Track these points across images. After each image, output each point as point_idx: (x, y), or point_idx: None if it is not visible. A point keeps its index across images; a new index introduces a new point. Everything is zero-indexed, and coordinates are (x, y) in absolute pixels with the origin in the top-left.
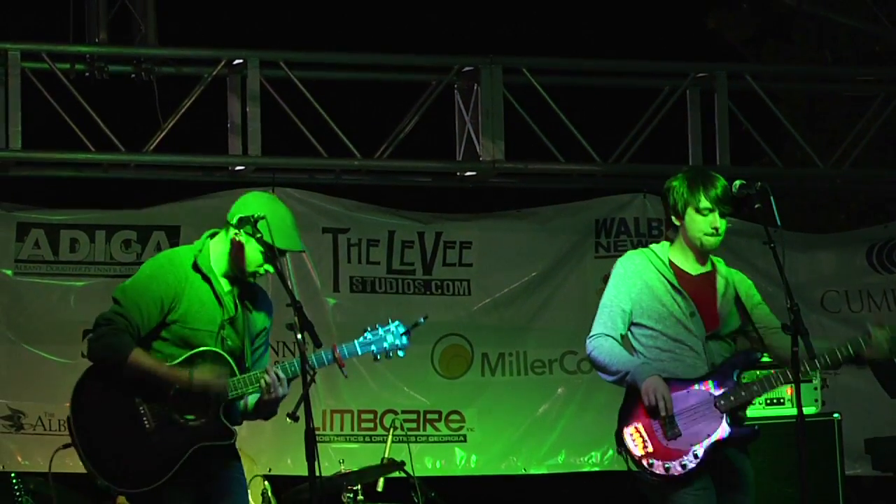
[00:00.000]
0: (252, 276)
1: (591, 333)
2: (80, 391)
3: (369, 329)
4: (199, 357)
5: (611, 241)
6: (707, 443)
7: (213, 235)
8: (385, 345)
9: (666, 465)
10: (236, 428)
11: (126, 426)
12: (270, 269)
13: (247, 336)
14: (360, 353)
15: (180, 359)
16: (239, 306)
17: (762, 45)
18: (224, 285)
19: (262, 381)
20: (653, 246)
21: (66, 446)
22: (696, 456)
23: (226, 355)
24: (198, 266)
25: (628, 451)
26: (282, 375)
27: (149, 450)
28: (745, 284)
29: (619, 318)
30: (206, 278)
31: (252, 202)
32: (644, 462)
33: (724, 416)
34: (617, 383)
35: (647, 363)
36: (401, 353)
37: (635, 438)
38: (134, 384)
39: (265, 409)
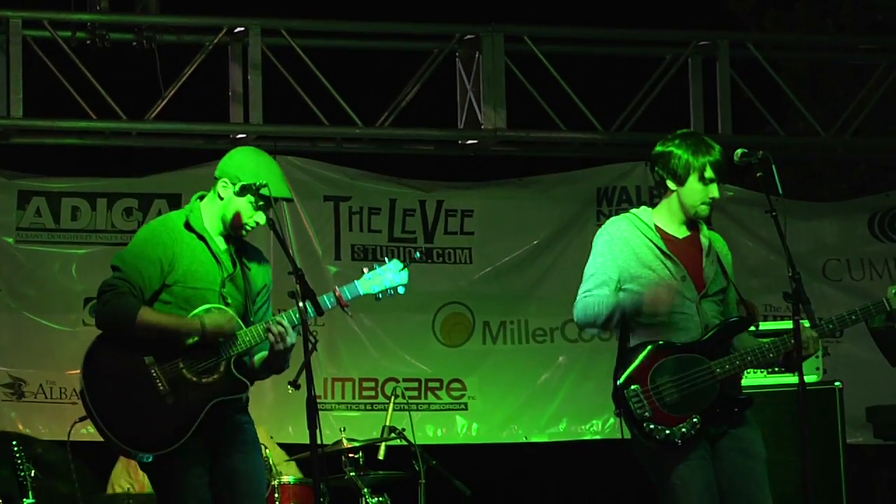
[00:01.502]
0: (244, 228)
1: (577, 296)
2: (90, 361)
3: (367, 269)
4: (206, 312)
5: (612, 209)
6: (705, 410)
7: (201, 197)
8: (385, 283)
9: (666, 432)
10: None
11: (140, 391)
12: (262, 220)
13: (249, 293)
14: (361, 293)
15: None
16: (237, 264)
17: (764, 14)
18: (220, 244)
19: (268, 332)
20: (634, 211)
21: (82, 419)
22: (694, 424)
23: (230, 311)
24: (190, 226)
25: (627, 414)
26: (286, 323)
27: (165, 412)
28: (725, 250)
29: (606, 285)
30: (200, 237)
31: (236, 158)
32: (643, 426)
33: (720, 383)
34: (612, 327)
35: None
36: (401, 290)
37: (635, 401)
38: (145, 345)
39: (276, 362)
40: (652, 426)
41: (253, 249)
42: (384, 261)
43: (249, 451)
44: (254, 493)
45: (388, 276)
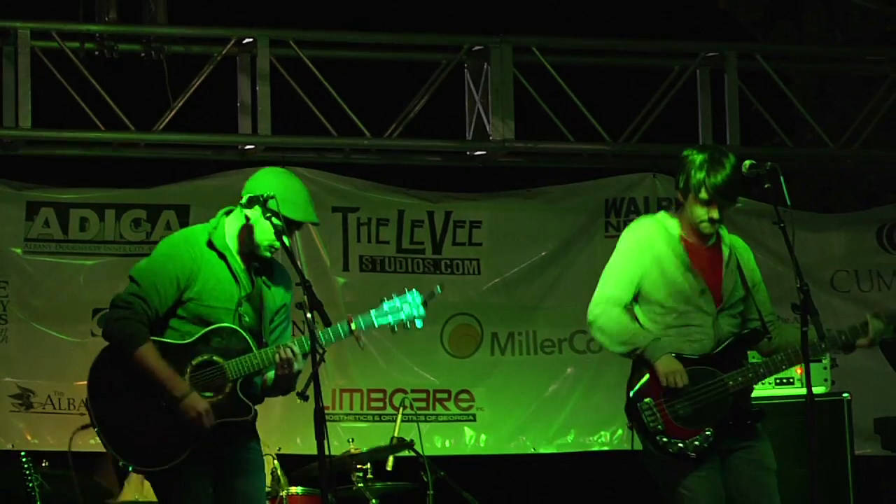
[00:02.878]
0: (266, 250)
1: (597, 299)
2: (97, 372)
3: (385, 299)
4: (215, 334)
5: (620, 220)
6: (718, 423)
7: (228, 213)
8: (402, 316)
9: (679, 445)
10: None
11: (143, 405)
12: (277, 244)
13: (265, 312)
14: (376, 324)
15: (196, 336)
16: (256, 282)
17: (772, 26)
18: (240, 262)
19: (277, 355)
20: (662, 217)
21: (84, 427)
22: (707, 437)
23: (242, 331)
24: (212, 244)
25: (640, 427)
26: (297, 350)
27: (166, 427)
28: (747, 254)
29: (628, 286)
30: (221, 256)
31: (263, 178)
32: (656, 439)
33: (732, 396)
34: (624, 355)
35: (658, 339)
36: (419, 324)
37: (648, 414)
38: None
39: (282, 384)
40: (665, 439)
41: (279, 269)
42: (403, 291)
43: (253, 472)
44: None
45: (406, 308)
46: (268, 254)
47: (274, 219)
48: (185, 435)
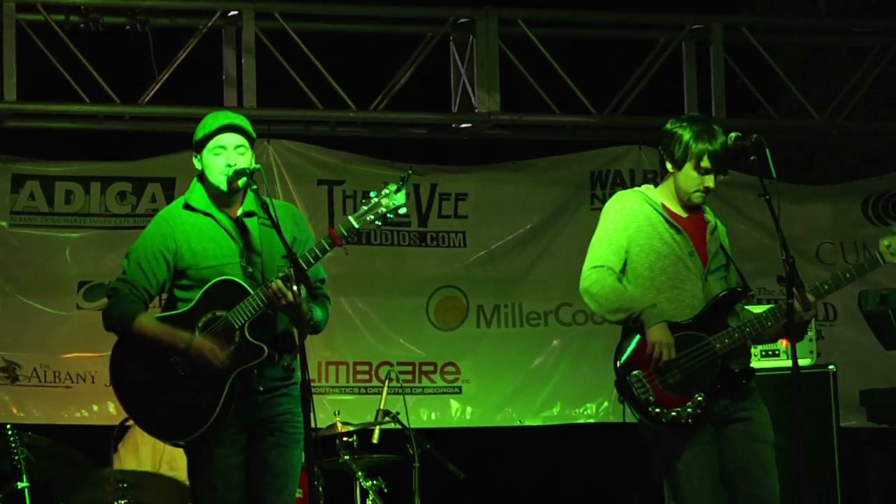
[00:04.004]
0: (226, 182)
1: (590, 265)
2: (115, 362)
3: (363, 201)
4: (211, 291)
5: (606, 192)
6: (708, 387)
7: (199, 178)
8: (381, 209)
9: (672, 414)
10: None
11: (163, 379)
12: (229, 170)
13: (274, 254)
14: (357, 225)
15: (195, 300)
16: (250, 229)
17: None
18: (226, 216)
19: (264, 294)
20: (641, 188)
21: (124, 422)
22: (699, 402)
23: (237, 279)
24: (190, 205)
25: (632, 399)
26: (281, 283)
27: (191, 394)
28: (722, 229)
29: (618, 252)
30: (206, 215)
31: (200, 126)
32: (648, 410)
33: (721, 358)
34: (616, 322)
35: (654, 305)
36: (402, 211)
37: (638, 386)
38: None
39: (293, 320)
40: (658, 410)
41: (281, 209)
42: (382, 187)
43: (288, 444)
44: (281, 487)
45: (384, 201)
46: (225, 185)
47: (207, 150)
48: (212, 393)
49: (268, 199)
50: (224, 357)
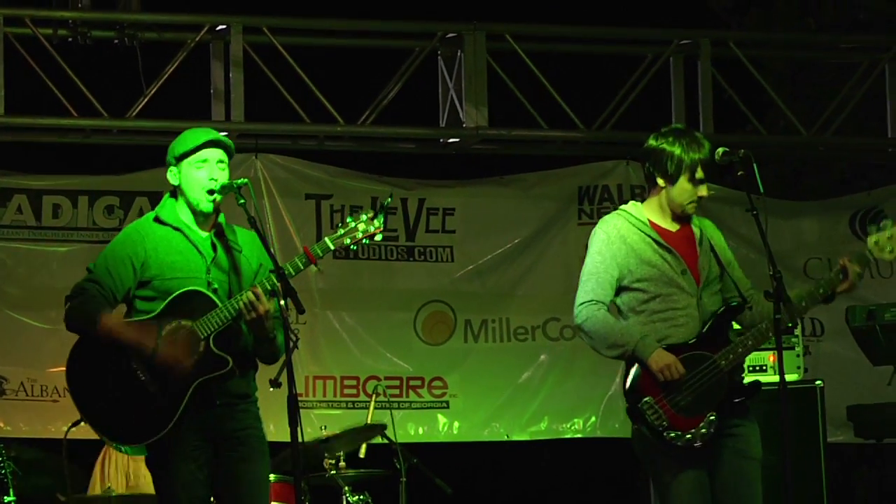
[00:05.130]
0: (205, 200)
1: (581, 301)
2: (73, 362)
3: (340, 225)
4: (178, 301)
5: (594, 207)
6: (719, 405)
7: (173, 195)
8: (357, 234)
9: (687, 437)
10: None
11: (123, 385)
12: (206, 185)
13: (240, 275)
14: (332, 247)
15: (161, 307)
16: (220, 248)
17: (746, 13)
18: (199, 232)
19: (241, 301)
20: (625, 208)
21: (76, 423)
22: (712, 421)
23: (206, 291)
24: (160, 219)
25: (647, 426)
26: (259, 291)
27: (151, 400)
28: (717, 235)
29: (608, 284)
30: (176, 229)
31: (181, 140)
32: (664, 435)
33: (728, 375)
34: (613, 357)
35: (646, 336)
36: (378, 237)
37: (651, 413)
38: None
39: (256, 332)
40: (673, 434)
41: (246, 234)
42: (359, 213)
43: (255, 456)
44: (255, 502)
45: (361, 227)
46: (209, 204)
47: (188, 163)
48: (172, 400)
49: (255, 215)
50: (188, 365)
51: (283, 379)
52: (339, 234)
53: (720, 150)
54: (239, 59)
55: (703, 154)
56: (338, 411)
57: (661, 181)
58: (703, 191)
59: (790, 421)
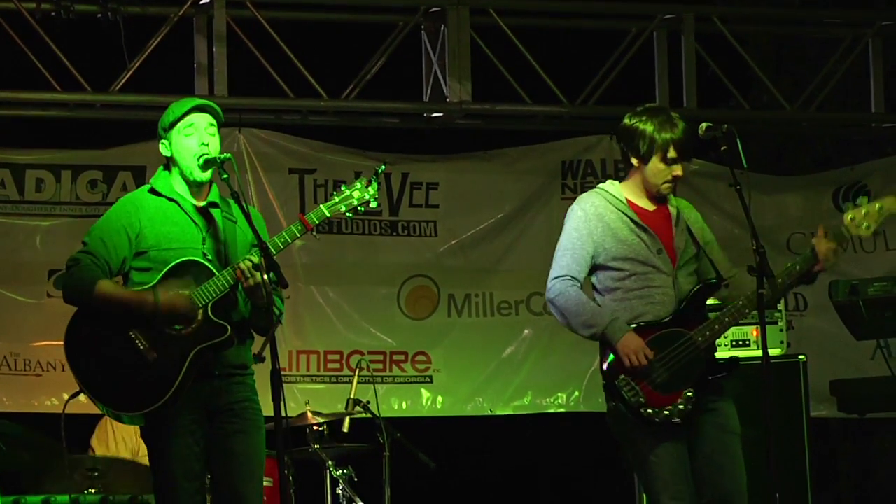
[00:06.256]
0: (200, 168)
1: (554, 275)
2: (71, 333)
3: (335, 192)
4: (175, 271)
5: (577, 182)
6: (697, 381)
7: (166, 167)
8: (353, 201)
9: (665, 413)
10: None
11: (122, 355)
12: (199, 150)
13: (235, 246)
14: (328, 214)
15: (157, 278)
16: (217, 218)
17: None
18: (193, 203)
19: (238, 270)
20: (603, 186)
21: (75, 395)
22: (689, 398)
23: (202, 260)
24: (155, 190)
25: (623, 403)
26: (255, 260)
27: (151, 368)
28: (695, 215)
29: (583, 261)
30: (171, 200)
31: (168, 111)
32: (640, 412)
33: (704, 351)
34: (585, 337)
35: (616, 319)
36: (373, 205)
37: (627, 389)
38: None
39: (254, 300)
40: (650, 411)
41: (237, 207)
42: (354, 179)
43: (250, 430)
44: (250, 474)
45: (356, 194)
46: (198, 164)
47: (177, 131)
48: (171, 368)
49: (238, 191)
50: (187, 333)
51: (267, 354)
52: (333, 201)
53: (703, 125)
54: (222, 33)
55: (676, 134)
56: (321, 386)
57: (634, 161)
58: (677, 170)
59: (773, 396)
